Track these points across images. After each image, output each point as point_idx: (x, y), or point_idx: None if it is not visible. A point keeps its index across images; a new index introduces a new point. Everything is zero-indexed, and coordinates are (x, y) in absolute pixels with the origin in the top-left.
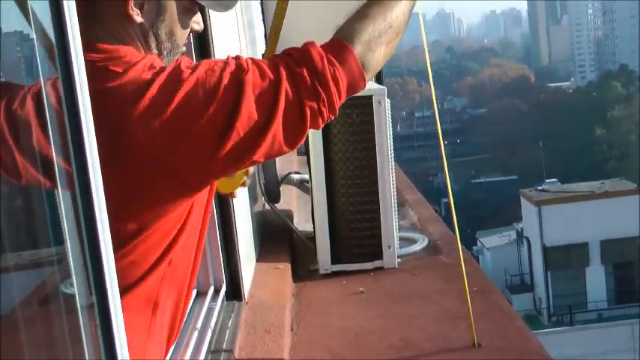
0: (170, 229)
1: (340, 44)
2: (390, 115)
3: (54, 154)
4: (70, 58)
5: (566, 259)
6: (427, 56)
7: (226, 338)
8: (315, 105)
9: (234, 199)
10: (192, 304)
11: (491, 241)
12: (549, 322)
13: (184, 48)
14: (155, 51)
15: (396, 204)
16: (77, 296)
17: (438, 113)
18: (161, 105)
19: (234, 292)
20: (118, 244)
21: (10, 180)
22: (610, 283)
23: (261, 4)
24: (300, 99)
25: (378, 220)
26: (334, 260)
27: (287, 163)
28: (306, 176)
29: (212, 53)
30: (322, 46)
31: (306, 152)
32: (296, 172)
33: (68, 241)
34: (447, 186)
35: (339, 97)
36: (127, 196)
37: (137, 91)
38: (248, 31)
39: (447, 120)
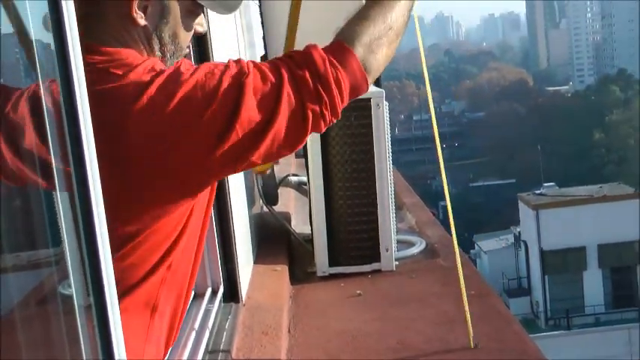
0: (170, 232)
1: (342, 47)
2: (388, 118)
3: (52, 155)
4: (69, 58)
5: (563, 263)
6: (423, 59)
7: (224, 339)
8: (317, 108)
9: (231, 200)
10: (190, 305)
11: (488, 244)
12: (546, 326)
13: (187, 50)
14: (158, 53)
15: (393, 207)
16: (75, 297)
17: (436, 117)
18: (160, 104)
19: (232, 294)
20: (117, 245)
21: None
22: (607, 288)
23: (260, 7)
24: (303, 101)
25: (375, 223)
26: (332, 263)
27: (285, 166)
28: (304, 179)
29: (211, 55)
30: (324, 49)
31: (304, 155)
32: (294, 175)
33: (66, 241)
34: (444, 189)
35: (342, 100)
36: (127, 197)
37: (136, 91)
38: (247, 34)
39: (445, 123)
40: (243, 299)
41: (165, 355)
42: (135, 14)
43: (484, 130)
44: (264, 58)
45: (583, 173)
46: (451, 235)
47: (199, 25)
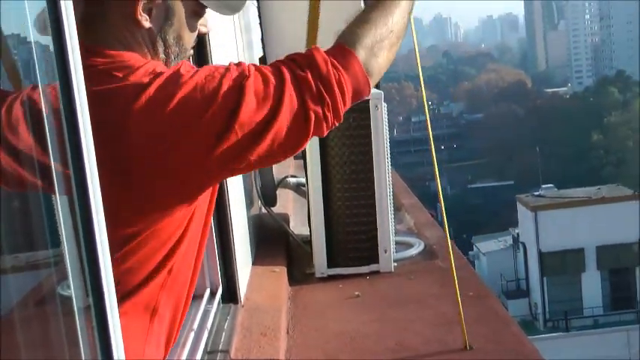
0: (170, 235)
1: (344, 49)
2: (386, 120)
3: (51, 157)
4: (68, 59)
5: (562, 265)
6: (418, 59)
7: (222, 340)
8: (319, 109)
9: (230, 202)
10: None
11: (487, 246)
12: (545, 328)
13: (192, 51)
14: (162, 56)
15: (392, 208)
16: (74, 298)
17: (435, 118)
18: (159, 105)
19: (231, 295)
20: (117, 246)
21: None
22: (606, 289)
23: (258, 8)
24: (305, 102)
25: (374, 224)
26: (330, 264)
27: (284, 167)
28: (303, 180)
29: (209, 56)
30: (326, 52)
31: (302, 156)
32: (292, 176)
33: (65, 242)
34: (437, 191)
35: (344, 103)
36: (128, 196)
37: (135, 92)
38: (245, 35)
39: (443, 125)
40: (242, 300)
41: (164, 358)
42: (139, 17)
43: (482, 132)
44: (262, 59)
45: (581, 175)
46: (449, 237)
47: (203, 25)
